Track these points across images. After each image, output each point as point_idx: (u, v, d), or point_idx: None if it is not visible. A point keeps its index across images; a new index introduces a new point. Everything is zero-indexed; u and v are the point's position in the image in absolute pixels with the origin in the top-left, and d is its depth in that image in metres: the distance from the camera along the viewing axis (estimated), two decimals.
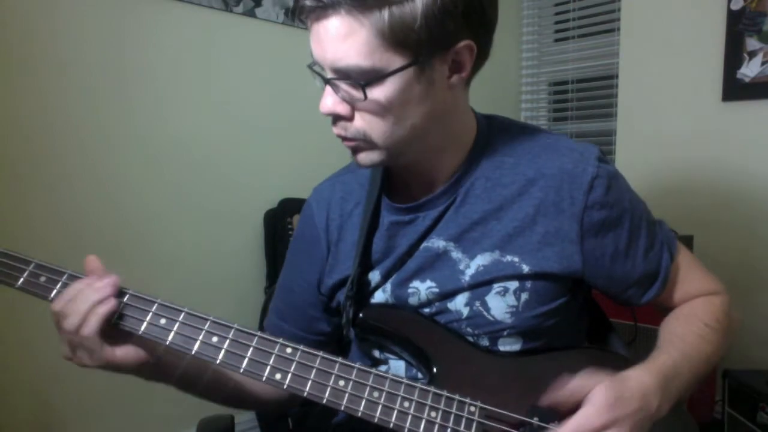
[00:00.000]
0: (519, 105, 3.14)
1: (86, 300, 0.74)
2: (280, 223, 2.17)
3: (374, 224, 0.90)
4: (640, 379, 0.75)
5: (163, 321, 0.77)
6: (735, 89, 2.22)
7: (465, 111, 0.86)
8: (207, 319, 0.77)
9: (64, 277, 0.79)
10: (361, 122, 0.75)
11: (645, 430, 0.73)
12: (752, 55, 2.17)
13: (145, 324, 0.77)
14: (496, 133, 0.88)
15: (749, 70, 2.18)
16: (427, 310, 0.86)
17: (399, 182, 0.89)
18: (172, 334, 0.76)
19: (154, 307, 0.78)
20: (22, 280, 0.78)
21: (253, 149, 2.17)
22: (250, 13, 2.12)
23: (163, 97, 1.94)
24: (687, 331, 0.86)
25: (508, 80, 3.06)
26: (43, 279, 0.78)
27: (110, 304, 0.75)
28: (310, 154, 2.10)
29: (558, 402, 0.74)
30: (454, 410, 0.75)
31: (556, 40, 3.01)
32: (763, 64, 2.15)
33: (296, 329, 0.98)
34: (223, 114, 2.08)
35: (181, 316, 0.77)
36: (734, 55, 2.21)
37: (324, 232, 0.94)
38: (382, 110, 0.74)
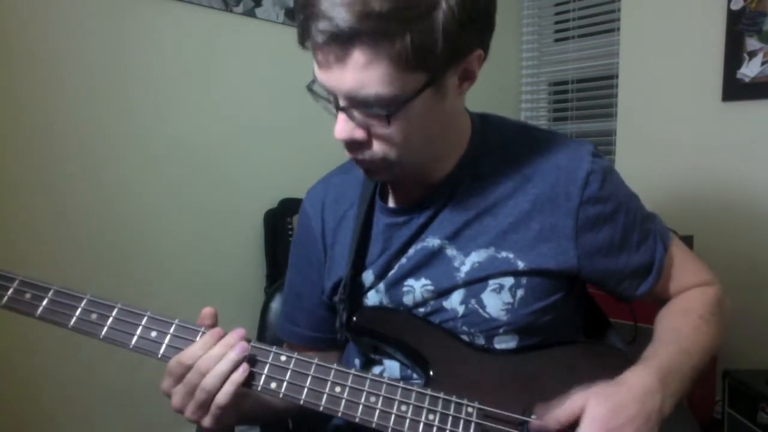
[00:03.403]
0: (519, 105, 3.13)
1: (226, 363, 0.72)
2: (280, 223, 2.17)
3: (368, 227, 0.90)
4: (636, 381, 0.75)
5: (154, 333, 0.75)
6: (735, 89, 2.22)
7: (463, 112, 0.86)
8: (198, 331, 0.76)
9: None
10: (379, 145, 0.74)
11: (654, 429, 0.73)
12: (752, 55, 2.17)
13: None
14: (490, 132, 0.88)
15: (749, 70, 2.18)
16: (422, 309, 0.86)
17: (395, 183, 0.89)
18: (163, 346, 0.75)
19: (144, 320, 0.76)
20: (6, 298, 0.75)
21: (253, 149, 2.17)
22: (250, 13, 2.12)
23: (163, 97, 1.94)
24: (683, 325, 0.86)
25: (508, 80, 3.06)
26: (28, 296, 0.76)
27: (245, 371, 0.73)
28: (310, 154, 2.09)
29: (558, 421, 0.73)
30: (451, 412, 0.75)
31: (556, 40, 3.00)
32: (763, 64, 2.15)
33: (310, 330, 0.98)
34: (223, 114, 2.08)
35: (172, 329, 0.75)
36: (734, 55, 2.21)
37: (320, 236, 0.94)
38: (402, 133, 0.73)
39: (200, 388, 0.71)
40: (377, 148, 0.74)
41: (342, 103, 0.71)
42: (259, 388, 0.74)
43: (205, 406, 0.72)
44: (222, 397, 0.71)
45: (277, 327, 1.04)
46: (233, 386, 0.72)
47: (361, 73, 0.67)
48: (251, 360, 0.74)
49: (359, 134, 0.73)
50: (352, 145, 0.75)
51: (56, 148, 1.73)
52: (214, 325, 0.77)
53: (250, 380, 0.74)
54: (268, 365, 0.75)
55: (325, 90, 0.72)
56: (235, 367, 0.72)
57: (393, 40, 0.65)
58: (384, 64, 0.66)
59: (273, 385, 0.74)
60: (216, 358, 0.72)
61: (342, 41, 0.65)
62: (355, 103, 0.70)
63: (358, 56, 0.66)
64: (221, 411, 0.72)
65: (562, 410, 0.73)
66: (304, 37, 0.68)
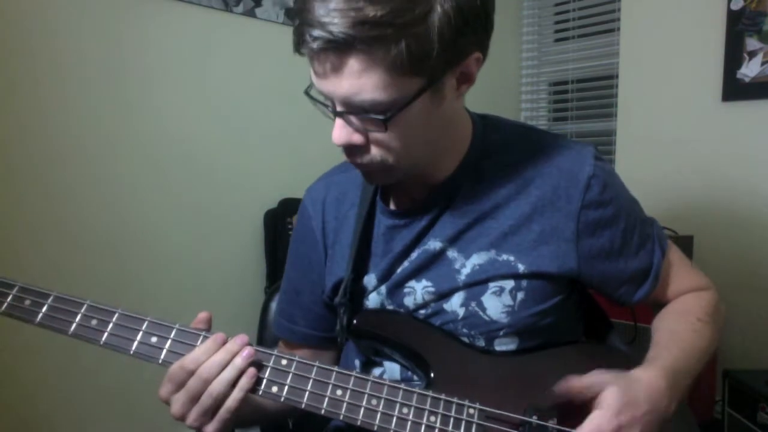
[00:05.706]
0: (519, 105, 3.13)
1: (232, 369, 0.72)
2: (280, 223, 2.17)
3: (369, 229, 0.89)
4: (649, 381, 0.75)
5: (154, 339, 0.75)
6: (735, 89, 2.22)
7: (463, 113, 0.86)
8: (199, 335, 0.75)
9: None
10: (378, 150, 0.74)
11: (656, 429, 0.73)
12: (752, 55, 2.17)
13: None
14: (491, 133, 0.88)
15: (749, 70, 2.18)
16: (422, 311, 0.86)
17: (396, 185, 0.89)
18: (164, 351, 0.74)
19: (144, 325, 0.76)
20: (5, 305, 0.75)
21: (253, 149, 2.17)
22: (250, 13, 2.12)
23: (163, 98, 1.94)
24: (682, 328, 0.86)
25: (508, 80, 3.06)
26: (27, 303, 0.76)
27: (252, 377, 0.73)
28: (310, 155, 2.09)
29: (569, 396, 0.73)
30: (453, 413, 0.75)
31: (556, 40, 3.01)
32: (763, 64, 2.15)
33: (308, 328, 0.98)
34: (223, 114, 2.08)
35: (173, 333, 0.75)
36: (734, 55, 2.21)
37: (321, 235, 0.94)
38: (400, 138, 0.73)
39: (207, 394, 0.71)
40: (375, 152, 0.74)
41: (339, 108, 0.71)
42: (260, 393, 0.74)
43: (209, 412, 0.72)
44: (232, 403, 0.71)
45: (273, 322, 1.03)
46: (242, 392, 0.72)
47: (357, 79, 0.66)
48: (253, 365, 0.74)
49: (357, 139, 0.73)
50: (350, 149, 0.75)
51: (55, 148, 1.73)
52: (208, 330, 0.77)
53: (254, 385, 0.74)
54: (269, 369, 0.75)
55: (323, 95, 0.72)
56: (240, 373, 0.72)
57: (388, 46, 0.64)
58: (379, 70, 0.65)
59: (274, 389, 0.74)
60: (219, 365, 0.72)
61: (337, 48, 0.65)
62: (352, 109, 0.70)
63: (353, 63, 0.65)
64: (230, 416, 0.72)
65: (587, 379, 0.73)
66: (299, 44, 0.68)
